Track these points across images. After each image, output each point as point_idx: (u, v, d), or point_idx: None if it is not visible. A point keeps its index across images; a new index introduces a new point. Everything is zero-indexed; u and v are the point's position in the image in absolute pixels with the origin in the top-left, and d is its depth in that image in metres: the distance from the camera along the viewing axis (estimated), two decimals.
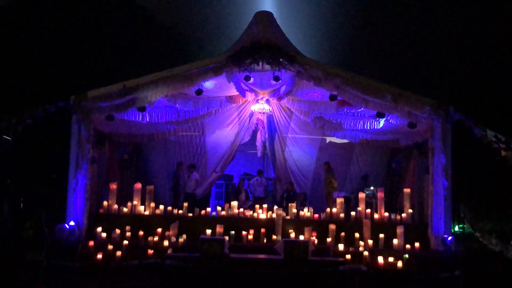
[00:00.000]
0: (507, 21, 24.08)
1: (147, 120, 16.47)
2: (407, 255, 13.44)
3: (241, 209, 15.88)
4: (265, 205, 15.94)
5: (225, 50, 15.66)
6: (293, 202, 16.22)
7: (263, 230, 14.66)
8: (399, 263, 13.14)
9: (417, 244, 14.28)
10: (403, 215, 15.40)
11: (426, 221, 14.86)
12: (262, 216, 15.54)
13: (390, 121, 15.91)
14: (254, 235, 14.62)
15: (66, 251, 13.19)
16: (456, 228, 18.08)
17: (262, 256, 12.53)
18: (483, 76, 24.05)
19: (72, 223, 14.34)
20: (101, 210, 15.36)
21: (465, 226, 18.57)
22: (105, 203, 15.41)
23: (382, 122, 16.38)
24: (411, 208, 15.65)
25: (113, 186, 15.65)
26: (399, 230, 14.43)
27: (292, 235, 14.57)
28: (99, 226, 14.50)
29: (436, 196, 14.42)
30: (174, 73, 14.79)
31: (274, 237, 14.51)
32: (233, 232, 14.48)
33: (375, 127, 16.82)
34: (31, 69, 22.75)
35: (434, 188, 14.48)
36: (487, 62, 24.42)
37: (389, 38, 26.40)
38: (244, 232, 14.56)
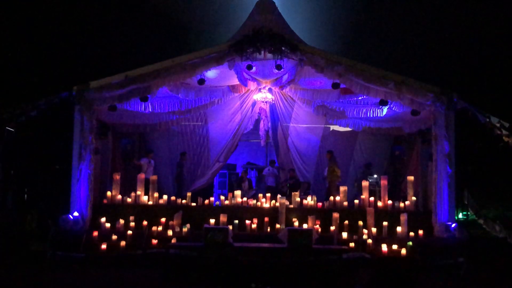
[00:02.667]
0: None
1: (150, 110, 16.45)
2: (410, 243, 13.45)
3: (245, 198, 15.91)
4: (279, 196, 15.80)
5: (227, 40, 15.61)
6: (296, 191, 16.23)
7: (266, 219, 14.68)
8: (403, 251, 13.16)
9: (420, 232, 14.28)
10: (407, 202, 15.41)
11: (430, 209, 14.86)
12: (266, 205, 15.55)
13: (393, 108, 15.86)
14: (257, 224, 14.65)
15: (70, 242, 13.27)
16: (460, 215, 18.11)
17: (265, 244, 12.55)
18: (487, 63, 23.95)
19: (76, 213, 14.38)
20: (105, 201, 15.41)
21: (468, 213, 18.58)
22: (108, 193, 15.45)
23: (385, 110, 16.34)
24: (414, 196, 15.66)
25: (117, 176, 15.68)
26: (403, 217, 14.43)
27: (296, 223, 14.59)
28: (103, 217, 14.55)
29: (439, 183, 14.40)
30: (176, 62, 14.76)
31: (277, 225, 14.53)
32: (236, 221, 14.50)
33: (378, 115, 16.79)
34: (33, 60, 22.72)
35: (437, 176, 14.47)
36: (490, 49, 24.32)
37: (392, 26, 26.26)
38: (247, 221, 14.58)
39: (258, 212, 15.13)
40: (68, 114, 15.04)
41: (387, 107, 15.91)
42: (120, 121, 17.23)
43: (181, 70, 14.68)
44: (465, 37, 24.89)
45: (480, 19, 24.80)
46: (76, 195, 14.54)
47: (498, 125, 14.32)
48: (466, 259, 12.62)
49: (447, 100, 14.38)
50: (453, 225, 14.10)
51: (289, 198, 15.75)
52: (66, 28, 24.46)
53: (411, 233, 14.22)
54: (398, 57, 24.14)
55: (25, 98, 15.21)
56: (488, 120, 14.33)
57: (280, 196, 15.40)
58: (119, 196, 15.47)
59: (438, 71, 23.25)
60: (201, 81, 15.26)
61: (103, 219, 14.48)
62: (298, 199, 15.61)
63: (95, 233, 13.69)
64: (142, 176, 15.83)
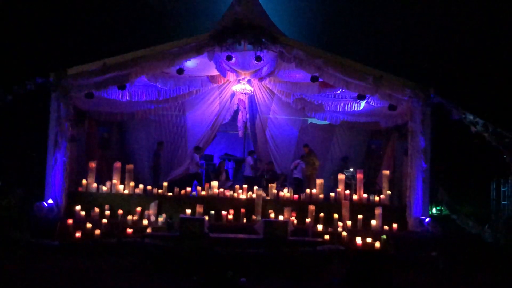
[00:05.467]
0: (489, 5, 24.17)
1: (127, 98, 16.32)
2: (385, 236, 13.60)
3: (221, 189, 15.91)
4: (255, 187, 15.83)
5: (207, 30, 15.54)
6: (273, 183, 16.29)
7: (243, 210, 14.73)
8: (377, 244, 13.30)
9: (395, 225, 14.46)
10: (382, 196, 15.57)
11: (404, 203, 15.05)
12: (242, 196, 15.59)
13: (371, 103, 15.98)
14: (234, 215, 14.68)
15: (44, 229, 13.19)
16: (434, 210, 18.29)
17: (241, 235, 12.56)
18: (464, 60, 24.17)
19: (50, 201, 14.26)
20: (80, 189, 15.31)
21: (442, 208, 18.79)
22: (84, 181, 15.34)
23: (362, 104, 16.45)
24: (389, 190, 15.83)
25: (92, 164, 15.58)
26: (378, 211, 14.58)
27: (272, 215, 14.67)
28: (78, 205, 14.47)
29: (414, 178, 14.60)
30: (155, 51, 14.69)
31: (254, 217, 14.59)
32: (213, 212, 14.53)
33: (356, 109, 16.89)
34: (9, 45, 22.36)
35: (413, 170, 14.65)
36: (467, 46, 24.55)
37: (371, 20, 26.37)
38: (224, 212, 14.61)
39: (234, 203, 15.17)
40: (45, 101, 14.87)
41: (364, 101, 16.02)
42: (97, 109, 17.11)
43: (160, 59, 14.61)
44: (444, 33, 25.08)
45: (459, 15, 25.00)
46: (51, 182, 14.42)
47: (473, 122, 14.51)
48: (439, 253, 12.80)
49: (424, 96, 14.55)
50: (427, 219, 14.31)
51: (265, 189, 15.81)
52: (43, 14, 24.10)
53: (385, 227, 14.40)
54: (377, 52, 24.24)
55: (1, 84, 14.95)
56: (463, 116, 14.51)
57: (257, 187, 15.44)
58: (95, 185, 15.37)
59: (416, 67, 23.41)
60: (180, 71, 15.19)
61: (78, 207, 14.38)
62: (274, 191, 15.68)
63: (70, 221, 13.61)
64: (118, 164, 15.73)
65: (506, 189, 15.24)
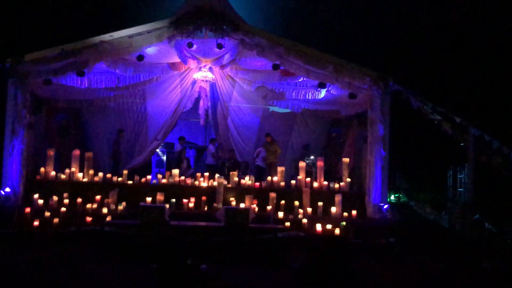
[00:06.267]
0: None
1: (86, 85, 16.07)
2: (344, 223, 13.79)
3: (182, 177, 15.86)
4: (217, 175, 15.85)
5: (168, 16, 15.39)
6: (235, 170, 16.32)
7: (204, 198, 14.73)
8: (337, 230, 13.48)
9: (354, 212, 14.67)
10: (342, 183, 15.76)
11: (364, 190, 15.27)
12: (204, 184, 15.58)
13: (331, 91, 16.11)
14: (195, 203, 14.66)
15: (1, 218, 12.96)
16: (392, 197, 18.63)
17: (202, 223, 12.56)
18: (424, 47, 24.56)
19: (7, 189, 14.06)
20: (38, 177, 15.08)
21: (400, 195, 19.15)
22: (42, 169, 15.10)
23: (323, 92, 16.56)
24: (349, 177, 16.02)
25: (51, 152, 15.35)
26: (337, 198, 14.76)
27: (233, 203, 14.70)
28: (36, 193, 14.25)
29: (373, 165, 14.81)
30: (114, 37, 14.49)
31: (215, 205, 14.60)
32: (174, 200, 14.48)
33: (317, 97, 17.01)
34: None
35: (372, 158, 14.87)
36: (427, 34, 24.94)
37: (331, 8, 26.55)
38: (185, 200, 14.58)
39: (196, 191, 15.17)
40: (1, 87, 14.55)
41: (325, 90, 16.13)
42: (56, 96, 16.83)
43: (120, 45, 14.45)
44: (403, 21, 25.41)
45: (419, 5, 25.37)
46: (8, 170, 14.21)
47: (431, 110, 14.80)
48: (397, 239, 13.05)
49: (383, 84, 14.76)
50: (386, 206, 14.56)
51: (227, 177, 15.82)
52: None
53: (345, 214, 14.59)
54: (337, 41, 24.43)
55: None
56: (422, 104, 14.78)
57: (218, 175, 15.44)
58: (53, 173, 15.17)
59: (376, 56, 23.70)
60: (140, 58, 15.03)
61: (36, 196, 14.16)
62: (236, 178, 15.70)
63: (28, 210, 13.39)
64: (76, 152, 15.52)
65: (462, 176, 15.61)
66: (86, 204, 14.08)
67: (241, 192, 15.14)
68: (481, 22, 23.50)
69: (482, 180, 15.59)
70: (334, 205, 14.71)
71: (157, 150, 18.91)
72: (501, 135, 15.22)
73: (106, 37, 14.48)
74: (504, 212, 15.08)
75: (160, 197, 14.31)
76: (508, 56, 22.29)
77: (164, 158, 19.43)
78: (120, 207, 13.99)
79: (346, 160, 16.32)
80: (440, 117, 14.82)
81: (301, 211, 14.52)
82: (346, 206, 14.75)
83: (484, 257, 11.74)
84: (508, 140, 14.85)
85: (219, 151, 18.77)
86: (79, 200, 14.20)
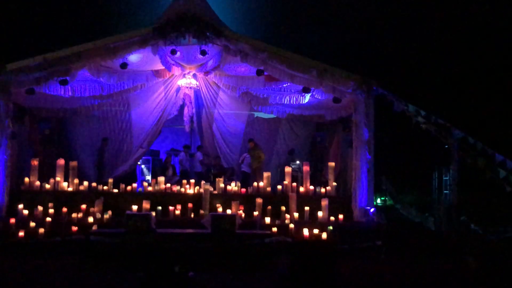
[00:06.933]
0: None
1: (70, 94, 16.01)
2: (331, 227, 13.78)
3: (168, 185, 15.80)
4: (192, 180, 15.88)
5: (151, 23, 15.37)
6: (220, 177, 16.29)
7: (190, 205, 14.67)
8: (324, 235, 13.44)
9: (341, 216, 14.66)
10: (328, 188, 15.77)
11: (350, 194, 15.29)
12: (190, 191, 15.52)
13: (316, 96, 16.16)
14: (181, 210, 14.60)
15: None
16: (378, 201, 18.70)
17: (189, 230, 12.50)
18: (407, 51, 24.76)
19: None
20: (23, 187, 14.93)
21: (386, 198, 19.23)
22: (26, 179, 14.96)
23: (307, 97, 16.61)
24: (335, 181, 16.05)
25: (35, 162, 15.22)
26: (324, 202, 14.76)
27: (220, 209, 14.65)
28: (20, 203, 14.10)
29: (359, 169, 14.82)
30: (97, 45, 14.44)
31: (201, 211, 14.54)
32: (160, 207, 14.41)
33: (301, 102, 17.05)
34: None
35: (357, 162, 14.88)
36: (410, 38, 25.15)
37: (314, 13, 26.70)
38: (171, 207, 14.51)
39: (182, 198, 15.10)
40: None
41: (309, 94, 16.18)
42: (39, 105, 16.73)
43: (102, 53, 14.38)
44: (386, 25, 25.59)
45: (404, 8, 25.57)
46: None
47: (414, 114, 14.88)
48: (384, 242, 13.10)
49: (367, 88, 14.80)
50: (372, 209, 14.57)
51: (213, 184, 15.79)
52: None
53: (332, 218, 14.58)
54: (320, 46, 24.55)
55: None
56: (406, 107, 14.86)
57: (204, 182, 15.40)
58: (38, 182, 15.03)
59: (359, 60, 23.84)
60: (124, 65, 14.99)
61: (20, 206, 14.00)
62: (222, 185, 15.67)
63: (12, 220, 13.24)
64: (61, 161, 15.41)
65: (447, 178, 15.69)
66: (72, 213, 13.95)
67: (227, 198, 15.09)
68: (466, 22, 23.75)
69: (467, 181, 15.70)
70: (320, 210, 14.71)
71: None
72: (484, 136, 15.36)
73: (89, 45, 14.40)
74: (489, 213, 15.20)
75: (146, 205, 14.23)
76: (494, 57, 22.55)
77: (143, 167, 19.35)
78: (106, 216, 13.89)
79: (331, 164, 16.34)
80: (424, 120, 14.90)
81: (288, 216, 14.51)
82: (332, 210, 14.74)
83: (468, 257, 11.83)
84: (492, 142, 14.98)
85: (205, 157, 18.74)
86: (65, 209, 14.05)
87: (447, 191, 15.60)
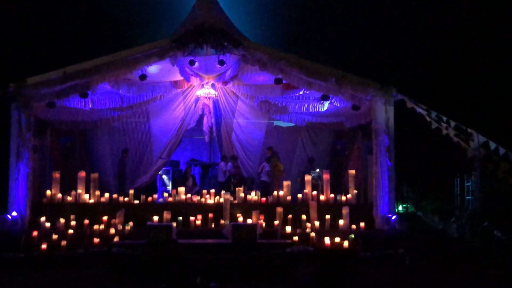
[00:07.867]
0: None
1: (90, 106, 16.17)
2: (352, 235, 13.69)
3: (189, 195, 15.82)
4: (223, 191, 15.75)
5: (169, 35, 15.48)
6: (241, 186, 16.28)
7: (211, 215, 14.66)
8: (345, 243, 13.38)
9: (362, 224, 14.57)
10: (348, 196, 15.67)
11: (371, 201, 15.19)
12: (210, 201, 15.53)
13: (335, 103, 16.11)
14: (202, 220, 14.60)
15: (9, 243, 12.88)
16: (400, 208, 18.52)
17: (210, 240, 12.51)
18: (426, 57, 24.56)
19: (14, 213, 14.04)
20: (44, 200, 15.06)
21: (408, 205, 19.04)
22: (48, 192, 15.09)
23: (326, 104, 16.57)
24: (356, 189, 15.96)
25: (56, 174, 15.34)
26: (345, 210, 14.68)
27: (240, 219, 14.64)
28: (42, 216, 14.21)
29: (380, 176, 14.72)
30: (116, 58, 14.57)
31: (222, 221, 14.52)
32: (180, 218, 14.42)
33: (320, 110, 17.01)
34: None
35: (378, 169, 14.79)
36: (429, 43, 24.95)
37: (332, 21, 26.63)
38: (191, 218, 14.52)
39: (202, 208, 15.09)
40: (5, 111, 14.60)
41: (328, 102, 16.14)
42: (59, 118, 16.89)
43: (121, 65, 14.50)
44: (404, 30, 25.43)
45: (421, 13, 25.40)
46: (14, 194, 14.19)
47: (436, 119, 14.74)
48: (406, 250, 12.96)
49: (386, 95, 14.72)
50: (393, 217, 14.46)
51: (233, 193, 15.78)
52: (2, 23, 23.69)
53: (353, 226, 14.49)
54: (339, 53, 24.47)
55: None
56: (426, 113, 14.72)
57: (224, 191, 15.40)
58: (59, 195, 15.13)
59: (378, 66, 23.72)
60: (143, 77, 15.10)
61: (42, 219, 14.12)
62: (242, 194, 15.65)
63: (35, 233, 13.31)
64: (82, 174, 15.52)
65: (469, 184, 15.51)
66: (93, 225, 14.02)
67: (247, 208, 15.07)
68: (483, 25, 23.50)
69: (490, 187, 15.48)
70: (341, 218, 14.63)
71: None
72: (507, 141, 15.14)
73: (108, 58, 14.53)
74: None
75: (167, 215, 14.28)
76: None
77: (164, 177, 19.38)
78: (127, 227, 13.94)
79: (352, 172, 16.25)
80: (445, 125, 14.75)
81: (308, 225, 14.45)
82: (353, 218, 14.66)
83: (492, 264, 11.68)
84: None
85: (235, 168, 18.54)
86: (86, 221, 14.14)
87: (470, 197, 15.41)
